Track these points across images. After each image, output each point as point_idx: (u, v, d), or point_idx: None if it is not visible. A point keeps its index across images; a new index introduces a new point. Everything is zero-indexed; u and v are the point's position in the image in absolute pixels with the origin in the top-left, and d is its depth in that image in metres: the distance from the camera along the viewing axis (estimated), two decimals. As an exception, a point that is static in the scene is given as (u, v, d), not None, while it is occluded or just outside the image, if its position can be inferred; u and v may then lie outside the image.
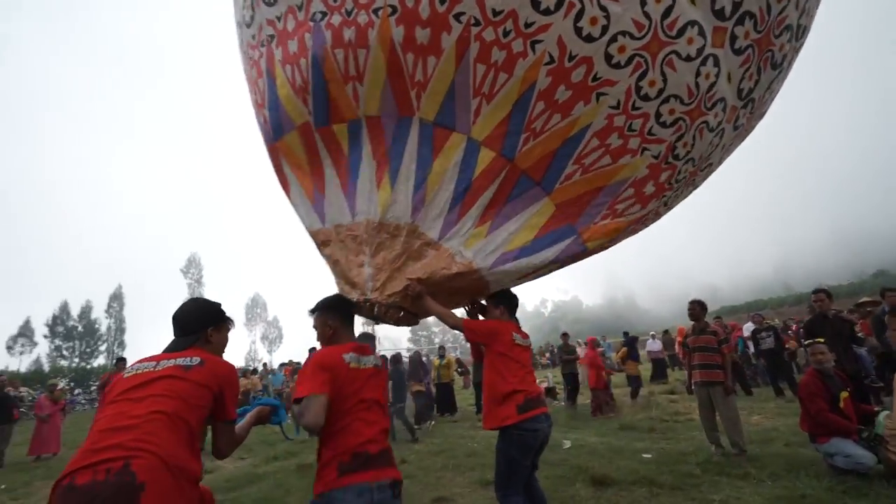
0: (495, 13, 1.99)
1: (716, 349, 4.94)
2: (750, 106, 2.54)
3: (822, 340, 4.18)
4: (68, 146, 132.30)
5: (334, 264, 2.45)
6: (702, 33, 2.12)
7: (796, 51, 2.67)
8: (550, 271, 2.68)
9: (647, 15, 2.01)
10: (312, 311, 2.16)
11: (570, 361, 9.57)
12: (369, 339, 3.71)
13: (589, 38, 2.01)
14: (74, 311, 48.07)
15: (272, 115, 2.47)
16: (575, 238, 2.43)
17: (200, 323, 1.76)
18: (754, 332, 9.40)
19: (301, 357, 14.47)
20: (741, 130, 2.69)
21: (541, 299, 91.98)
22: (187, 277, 53.68)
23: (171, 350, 1.68)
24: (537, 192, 2.28)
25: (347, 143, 2.29)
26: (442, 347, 12.58)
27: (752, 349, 10.09)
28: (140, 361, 1.62)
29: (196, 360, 1.58)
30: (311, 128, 2.34)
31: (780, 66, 2.53)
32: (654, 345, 13.74)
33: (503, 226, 2.28)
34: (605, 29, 2.00)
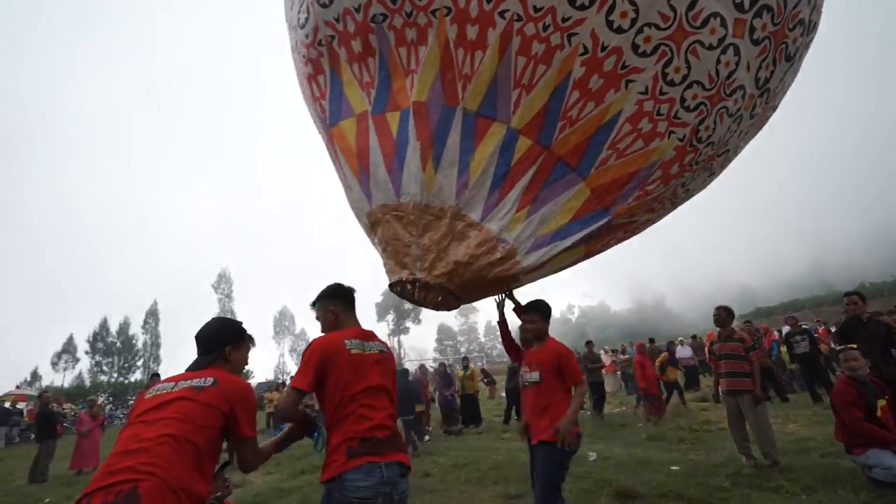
0: (536, 10, 2.17)
1: (743, 356, 4.78)
2: (766, 95, 2.65)
3: (854, 347, 4.01)
4: (103, 164, 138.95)
5: (384, 245, 2.57)
6: (724, 24, 2.26)
7: (807, 46, 2.76)
8: (576, 257, 2.82)
9: (672, 7, 2.17)
10: (314, 303, 2.18)
11: (596, 370, 9.41)
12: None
13: (619, 30, 2.18)
14: (113, 328, 50.25)
15: (332, 105, 2.66)
16: (609, 220, 2.58)
17: (219, 342, 1.84)
18: (787, 336, 9.04)
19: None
20: (756, 120, 2.78)
21: (567, 305, 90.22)
22: (218, 292, 55.38)
23: (193, 369, 1.78)
24: (573, 177, 2.42)
25: (397, 127, 2.44)
26: (466, 358, 12.53)
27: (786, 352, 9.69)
28: (162, 382, 1.71)
29: (210, 380, 1.66)
30: (368, 115, 2.52)
31: (792, 59, 2.64)
32: (684, 351, 13.34)
33: (540, 210, 2.41)
34: (633, 21, 2.17)
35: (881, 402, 3.75)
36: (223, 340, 1.85)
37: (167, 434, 1.46)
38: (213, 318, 2.01)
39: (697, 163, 2.61)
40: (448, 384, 10.42)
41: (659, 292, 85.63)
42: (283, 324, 62.11)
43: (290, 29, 2.93)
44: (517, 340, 3.55)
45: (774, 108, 3.05)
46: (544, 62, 2.21)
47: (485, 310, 76.39)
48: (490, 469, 5.58)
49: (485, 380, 14.61)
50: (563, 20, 2.15)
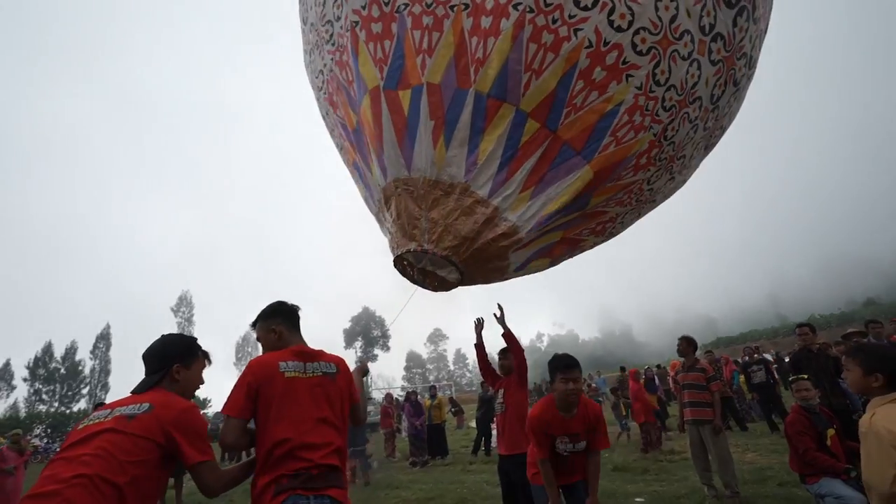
0: (546, 4, 2.37)
1: (704, 386, 4.91)
2: (716, 112, 2.96)
3: (805, 377, 4.18)
4: (57, 179, 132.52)
5: (396, 216, 2.63)
6: (692, 41, 2.57)
7: (749, 78, 3.12)
8: (554, 240, 2.96)
9: (659, 18, 2.44)
10: (254, 323, 2.01)
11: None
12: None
13: (619, 29, 2.41)
14: (59, 352, 46.87)
15: (358, 85, 2.75)
16: (586, 197, 2.77)
17: (165, 360, 1.67)
18: (745, 366, 9.36)
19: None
20: (708, 133, 3.08)
21: (536, 333, 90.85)
22: (177, 316, 52.89)
23: (137, 391, 1.62)
24: (578, 160, 2.56)
25: (408, 105, 2.53)
26: (433, 387, 12.27)
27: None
28: (97, 410, 1.57)
29: (145, 406, 1.50)
30: (380, 90, 2.61)
31: (738, 85, 2.99)
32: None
33: (545, 192, 2.54)
34: (630, 23, 2.41)
35: (830, 432, 3.89)
36: (170, 358, 1.68)
37: (82, 475, 1.30)
38: (162, 335, 1.80)
39: (661, 160, 2.88)
40: (418, 413, 10.16)
41: (626, 322, 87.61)
42: (245, 349, 59.60)
43: (327, 24, 2.96)
44: (498, 364, 3.56)
45: (722, 130, 3.36)
46: (553, 51, 2.39)
47: (454, 337, 75.85)
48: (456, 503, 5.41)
49: (452, 409, 14.34)
50: (570, 17, 2.39)
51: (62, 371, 46.08)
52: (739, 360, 11.05)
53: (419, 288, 3.00)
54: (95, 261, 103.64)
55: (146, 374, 1.68)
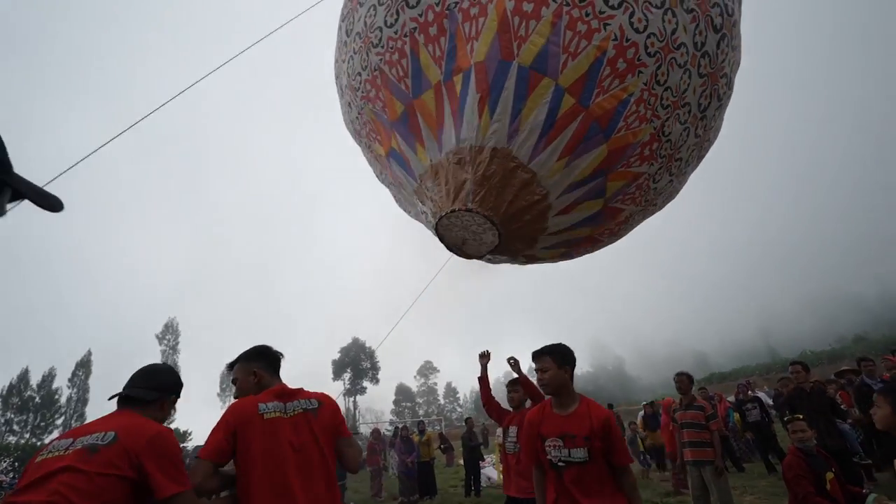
0: (581, 0, 2.67)
1: (704, 425, 4.79)
2: (704, 121, 3.28)
3: (801, 417, 4.11)
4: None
5: (442, 184, 2.85)
6: (686, 52, 2.91)
7: (727, 98, 3.47)
8: (592, 212, 3.18)
9: (663, 29, 2.78)
10: (232, 365, 1.96)
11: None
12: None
13: (637, 31, 2.72)
14: (35, 380, 45.08)
15: (414, 81, 3.05)
16: (602, 180, 3.01)
17: (163, 389, 1.64)
18: (739, 404, 9.22)
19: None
20: (698, 141, 3.38)
21: (527, 367, 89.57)
22: (162, 343, 51.43)
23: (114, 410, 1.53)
24: (601, 138, 2.84)
25: (460, 87, 2.83)
26: (421, 422, 11.94)
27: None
28: (59, 438, 1.40)
29: (109, 436, 1.35)
30: (441, 84, 2.92)
31: (721, 100, 3.35)
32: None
33: (574, 163, 2.81)
34: (645, 27, 2.73)
35: (829, 475, 3.79)
36: (167, 388, 1.65)
37: None
38: (160, 364, 1.79)
39: (662, 156, 3.14)
40: (409, 450, 9.82)
41: (618, 356, 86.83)
42: (229, 380, 57.90)
43: (378, 30, 3.25)
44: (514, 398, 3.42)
45: (709, 143, 3.64)
46: (586, 38, 2.70)
47: (445, 371, 74.56)
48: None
49: (442, 446, 13.89)
50: (600, 13, 2.70)
51: (37, 400, 44.22)
52: (733, 397, 10.93)
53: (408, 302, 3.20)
54: (81, 284, 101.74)
55: (129, 388, 1.57)
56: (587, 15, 2.67)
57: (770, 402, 10.57)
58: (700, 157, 3.65)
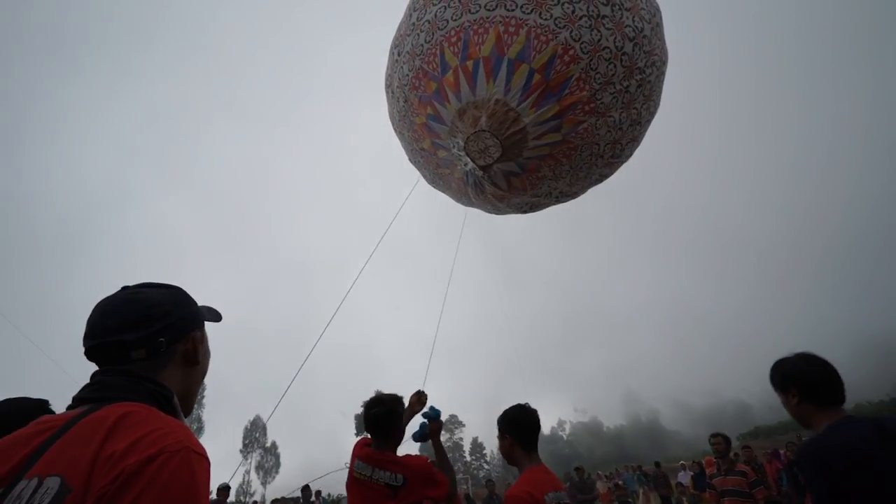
0: (541, 28, 4.00)
1: (747, 493, 4.35)
2: (628, 94, 4.41)
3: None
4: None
5: (469, 119, 4.23)
6: (610, 52, 4.16)
7: (647, 82, 4.53)
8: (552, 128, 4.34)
9: (592, 38, 4.07)
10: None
11: (588, 502, 8.44)
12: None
13: (574, 39, 4.04)
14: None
15: (442, 68, 4.45)
16: (559, 121, 4.29)
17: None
18: (791, 464, 8.42)
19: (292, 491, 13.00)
20: (626, 105, 4.52)
21: (558, 420, 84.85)
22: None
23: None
24: (555, 98, 4.19)
25: (472, 68, 4.27)
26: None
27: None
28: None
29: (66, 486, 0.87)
30: (458, 67, 4.37)
31: (642, 84, 4.44)
32: (686, 476, 12.31)
33: (540, 111, 4.19)
34: (579, 38, 4.10)
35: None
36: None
37: None
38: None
39: (597, 112, 4.32)
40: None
41: (653, 408, 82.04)
42: (253, 435, 56.95)
43: (414, 34, 4.66)
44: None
45: (637, 109, 4.56)
46: (545, 44, 4.04)
47: (471, 425, 71.54)
48: None
49: None
50: (553, 30, 3.99)
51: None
52: (781, 454, 10.02)
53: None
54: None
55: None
56: (545, 32, 4.16)
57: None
58: (630, 116, 4.76)
